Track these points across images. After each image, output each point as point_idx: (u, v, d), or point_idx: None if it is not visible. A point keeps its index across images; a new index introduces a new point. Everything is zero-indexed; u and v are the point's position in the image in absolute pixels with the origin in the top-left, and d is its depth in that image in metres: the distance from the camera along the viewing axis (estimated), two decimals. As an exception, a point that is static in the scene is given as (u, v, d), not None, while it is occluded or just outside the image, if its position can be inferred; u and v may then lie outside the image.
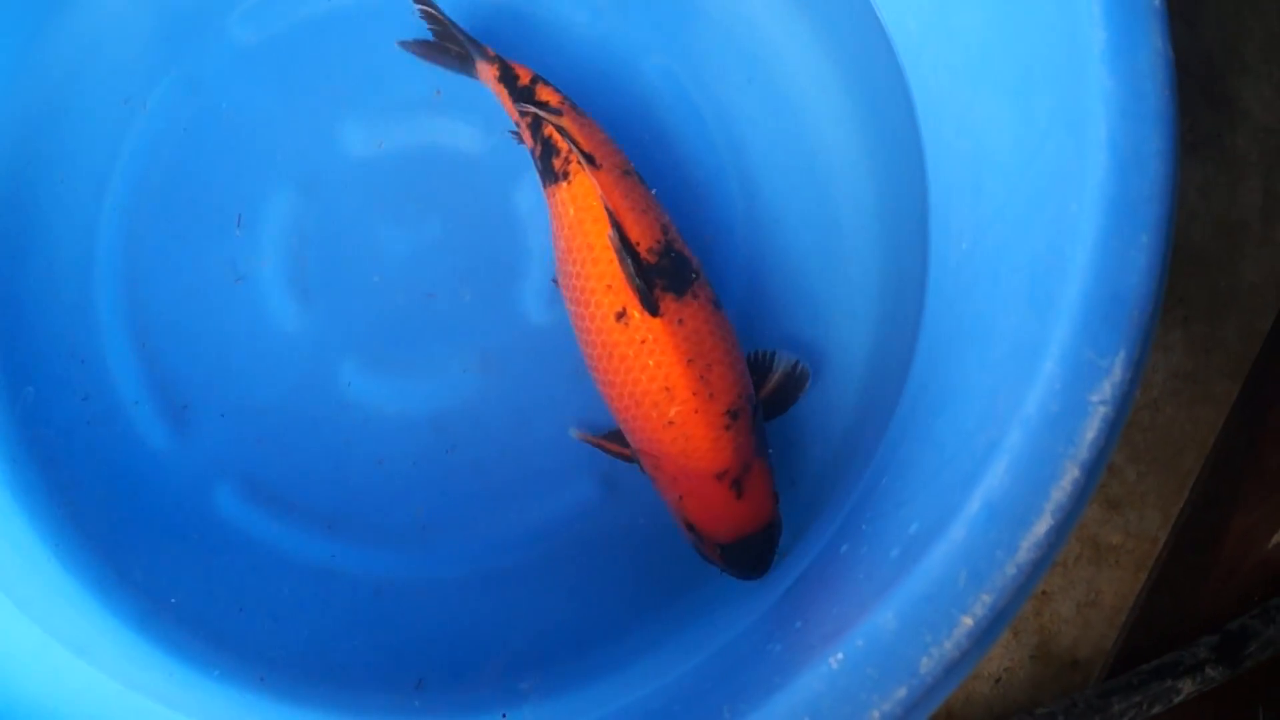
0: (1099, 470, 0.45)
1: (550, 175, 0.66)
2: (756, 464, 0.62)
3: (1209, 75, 0.78)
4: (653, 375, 0.61)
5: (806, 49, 0.74)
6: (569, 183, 0.64)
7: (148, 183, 0.75)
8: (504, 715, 0.64)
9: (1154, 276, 0.45)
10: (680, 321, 0.61)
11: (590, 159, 0.64)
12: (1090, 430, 0.44)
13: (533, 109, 0.66)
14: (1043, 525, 0.44)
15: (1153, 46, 0.47)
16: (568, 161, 0.64)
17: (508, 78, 0.69)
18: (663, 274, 0.62)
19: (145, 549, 0.71)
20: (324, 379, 0.72)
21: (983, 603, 0.43)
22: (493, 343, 0.72)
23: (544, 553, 0.67)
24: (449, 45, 0.71)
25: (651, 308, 0.61)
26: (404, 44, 0.73)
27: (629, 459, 0.66)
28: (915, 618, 0.43)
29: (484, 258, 0.73)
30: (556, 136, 0.65)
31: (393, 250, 0.73)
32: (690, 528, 0.62)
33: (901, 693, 0.42)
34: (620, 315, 0.62)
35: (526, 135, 0.68)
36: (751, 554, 0.61)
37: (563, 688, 0.65)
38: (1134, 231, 0.45)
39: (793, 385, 0.66)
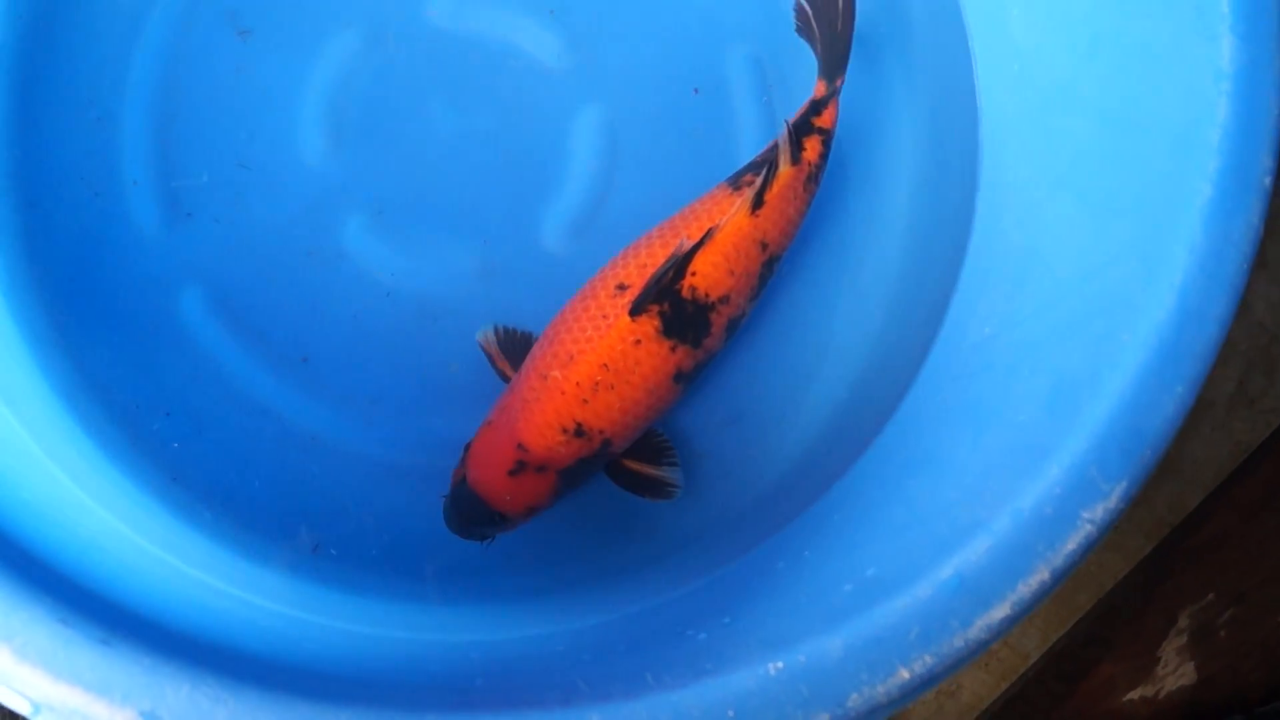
0: (1062, 580, 0.47)
1: (734, 177, 0.66)
2: (552, 478, 0.62)
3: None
4: (576, 338, 0.62)
5: (891, 87, 0.74)
6: (730, 193, 0.65)
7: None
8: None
9: (1174, 426, 0.47)
10: (637, 342, 0.61)
11: (758, 205, 0.63)
12: (1072, 542, 0.46)
13: (784, 136, 0.64)
14: (1000, 612, 0.45)
15: (1248, 219, 0.49)
16: (748, 186, 0.64)
17: (818, 105, 0.67)
18: (676, 309, 0.61)
19: (91, 320, 0.69)
20: (327, 222, 0.71)
21: (924, 662, 0.44)
22: (500, 253, 0.71)
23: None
24: (824, 38, 0.68)
25: (635, 308, 0.61)
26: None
27: (503, 378, 0.67)
28: (861, 654, 0.44)
29: (522, 170, 0.72)
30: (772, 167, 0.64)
31: (437, 128, 0.72)
32: (467, 448, 0.63)
33: (823, 718, 0.44)
34: (621, 287, 0.62)
35: (773, 142, 0.66)
36: (467, 508, 0.62)
37: (466, 600, 0.65)
38: (1174, 381, 0.47)
39: (654, 488, 0.66)
